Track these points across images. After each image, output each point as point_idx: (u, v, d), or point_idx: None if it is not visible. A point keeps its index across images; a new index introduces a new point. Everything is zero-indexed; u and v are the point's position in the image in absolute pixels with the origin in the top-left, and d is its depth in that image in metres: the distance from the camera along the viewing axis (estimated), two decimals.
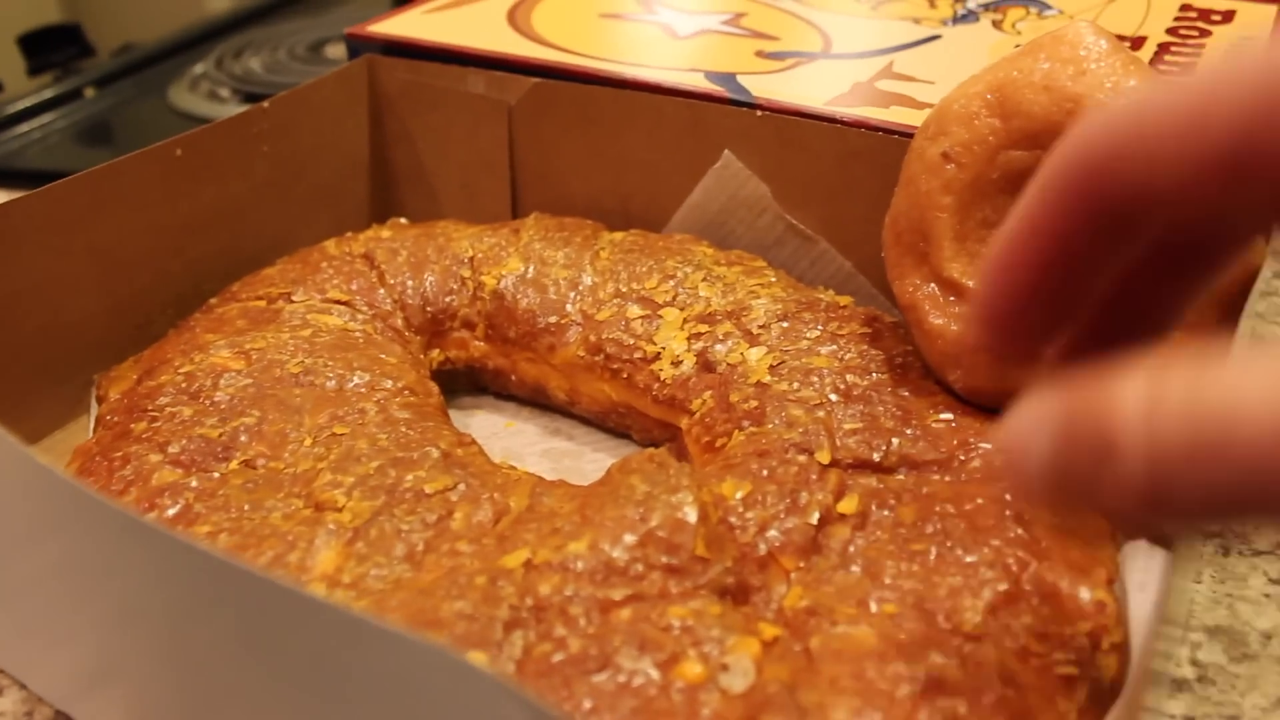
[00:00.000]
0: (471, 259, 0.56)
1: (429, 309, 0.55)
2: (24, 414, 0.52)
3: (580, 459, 0.53)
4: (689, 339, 0.50)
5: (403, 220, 0.63)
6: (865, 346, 0.48)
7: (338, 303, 0.54)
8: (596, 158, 0.61)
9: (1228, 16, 0.64)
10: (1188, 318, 0.34)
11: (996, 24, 0.66)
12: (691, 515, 0.38)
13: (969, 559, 0.38)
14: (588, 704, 0.33)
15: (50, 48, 1.10)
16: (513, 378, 0.56)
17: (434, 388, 0.51)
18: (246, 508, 0.41)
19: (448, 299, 0.56)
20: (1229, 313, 0.39)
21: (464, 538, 0.40)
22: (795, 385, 0.46)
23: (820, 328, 0.49)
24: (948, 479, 0.42)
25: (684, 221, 0.60)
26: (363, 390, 0.48)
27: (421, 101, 0.66)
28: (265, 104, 0.60)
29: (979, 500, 0.40)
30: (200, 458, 0.44)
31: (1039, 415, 0.26)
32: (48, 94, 0.99)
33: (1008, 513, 0.40)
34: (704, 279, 0.53)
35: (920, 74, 0.59)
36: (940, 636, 0.36)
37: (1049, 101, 0.41)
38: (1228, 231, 0.30)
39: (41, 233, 0.52)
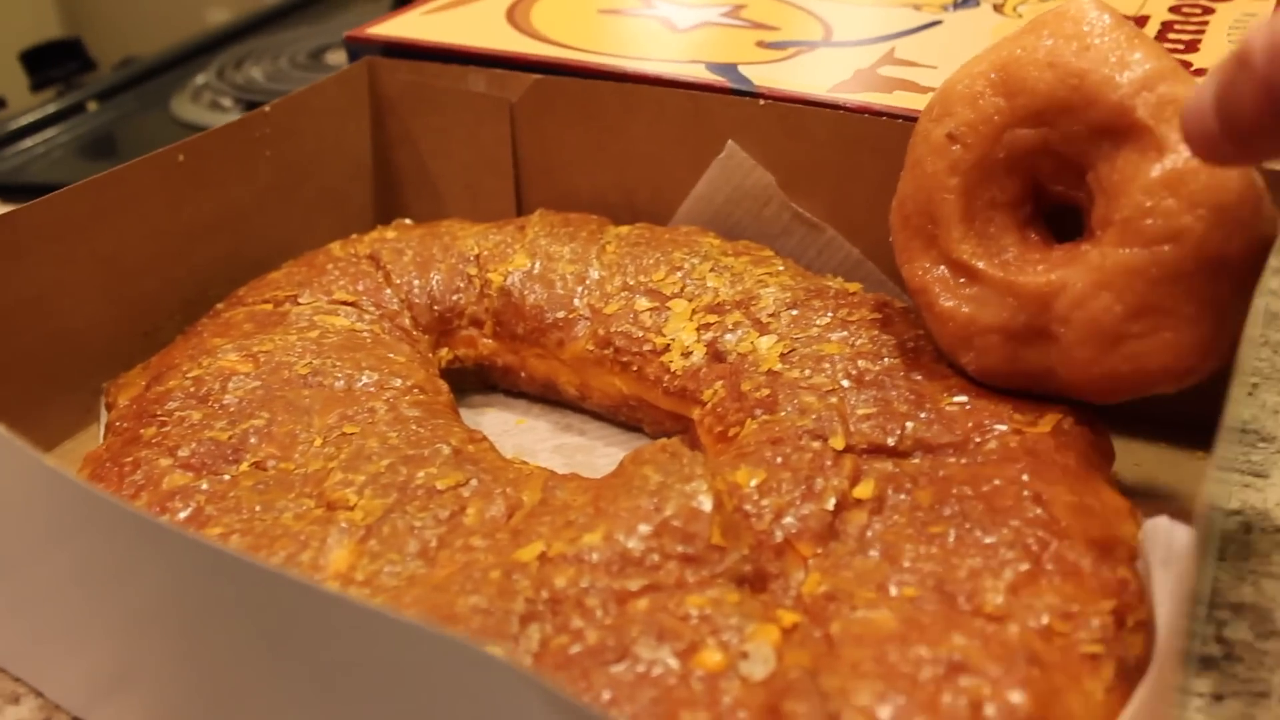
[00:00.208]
0: (477, 257, 0.56)
1: (436, 308, 0.55)
2: (33, 423, 0.52)
3: (592, 454, 0.52)
4: (698, 330, 0.50)
5: (407, 221, 0.62)
6: (876, 332, 0.48)
7: (344, 304, 0.54)
8: (600, 152, 0.61)
9: None
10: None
11: (997, 7, 0.66)
12: (706, 504, 0.38)
13: (988, 540, 0.38)
14: (607, 695, 0.33)
15: (52, 63, 1.10)
16: (522, 374, 0.55)
17: (443, 386, 0.51)
18: (258, 509, 0.41)
19: (455, 297, 0.55)
20: (1241, 289, 0.39)
21: (477, 533, 0.39)
22: (807, 372, 0.46)
23: (830, 314, 0.49)
24: (964, 461, 0.41)
25: (690, 213, 0.59)
26: (372, 389, 0.48)
27: (423, 102, 0.65)
28: (267, 108, 0.60)
29: (996, 481, 0.40)
30: (210, 461, 0.44)
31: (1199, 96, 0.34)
32: (50, 109, 0.99)
33: (1026, 493, 0.39)
34: (711, 269, 0.52)
35: (922, 59, 0.59)
36: (962, 618, 0.35)
37: (1054, 78, 0.41)
38: None
39: (45, 241, 0.51)
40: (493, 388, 0.58)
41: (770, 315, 0.49)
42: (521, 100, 0.62)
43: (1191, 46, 0.56)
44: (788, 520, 0.39)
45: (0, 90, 1.03)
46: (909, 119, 0.51)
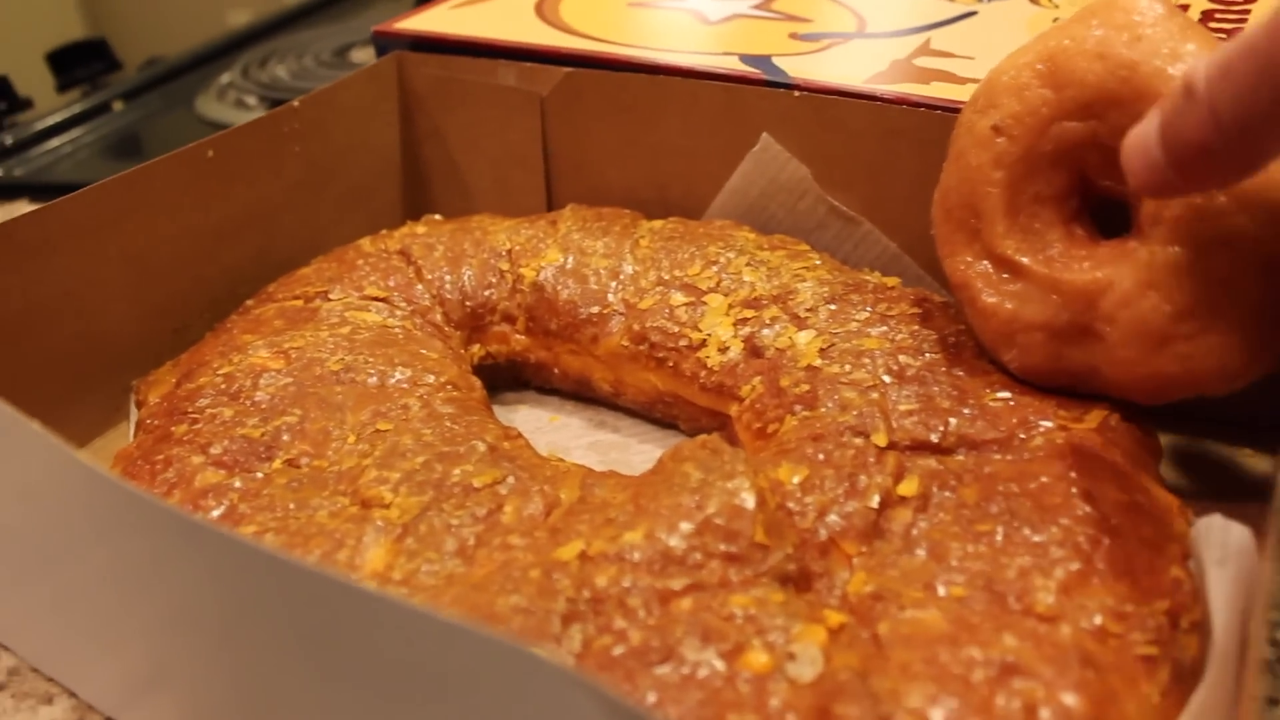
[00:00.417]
0: (509, 252, 0.56)
1: (468, 303, 0.54)
2: (63, 421, 0.51)
3: (627, 451, 0.52)
4: (735, 324, 0.49)
5: (437, 216, 0.62)
6: (916, 327, 0.47)
7: (376, 299, 0.54)
8: (631, 146, 0.60)
9: None
10: None
11: None
12: (749, 501, 0.37)
13: (1037, 538, 0.37)
14: (652, 697, 0.32)
15: (78, 63, 1.10)
16: (555, 370, 0.55)
17: (476, 382, 0.50)
18: (292, 507, 0.40)
19: (487, 293, 0.55)
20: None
21: (515, 531, 0.39)
22: (847, 368, 0.45)
23: (869, 309, 0.48)
24: (1009, 458, 0.41)
25: (723, 207, 0.59)
26: (405, 386, 0.47)
27: (451, 96, 0.65)
28: (295, 103, 0.60)
29: (1043, 478, 0.39)
30: (243, 458, 0.43)
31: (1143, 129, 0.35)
32: (76, 109, 0.99)
33: (1074, 490, 0.38)
34: (747, 264, 0.52)
35: (959, 50, 0.58)
36: (1013, 618, 0.35)
37: (1103, 70, 0.40)
38: None
39: (74, 239, 0.51)
40: (525, 384, 0.57)
41: (808, 310, 0.49)
42: (552, 94, 0.61)
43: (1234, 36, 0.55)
44: (831, 518, 0.38)
45: (27, 91, 1.03)
46: (948, 110, 0.50)
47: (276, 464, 0.43)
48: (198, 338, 0.55)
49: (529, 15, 0.67)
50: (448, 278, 0.55)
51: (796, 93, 0.55)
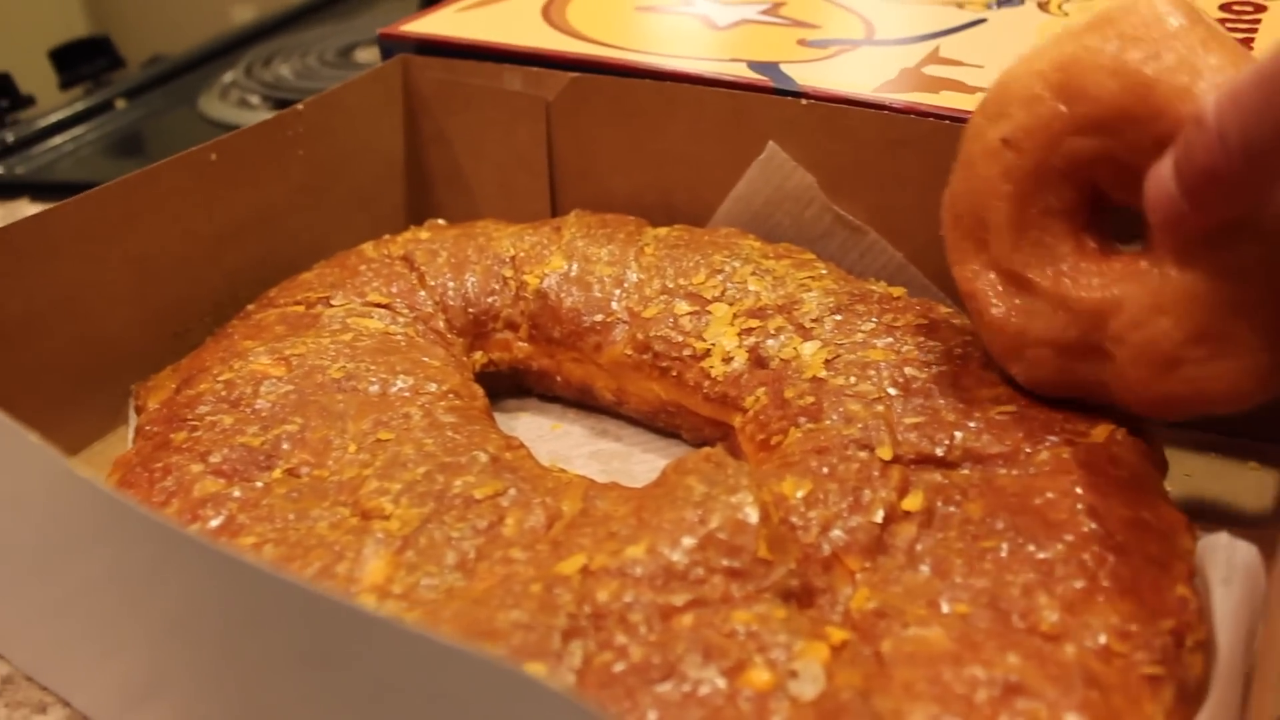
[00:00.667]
0: (513, 258, 0.55)
1: (471, 310, 0.54)
2: (62, 425, 0.51)
3: (629, 460, 0.51)
4: (740, 334, 0.49)
5: (441, 221, 0.61)
6: (922, 338, 0.47)
7: (378, 306, 0.53)
8: (637, 152, 0.60)
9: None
10: None
11: (1042, 5, 0.64)
12: (753, 516, 0.37)
13: (1042, 555, 0.37)
14: (653, 715, 0.32)
15: (81, 61, 1.09)
16: (558, 378, 0.54)
17: (479, 390, 0.50)
18: (291, 517, 0.40)
19: (490, 299, 0.54)
20: None
21: (517, 544, 0.38)
22: (852, 380, 0.45)
23: (875, 320, 0.48)
24: (1015, 473, 0.40)
25: (729, 215, 0.58)
26: (407, 394, 0.47)
27: (457, 100, 0.65)
28: (300, 106, 0.60)
29: (1049, 494, 0.39)
30: (242, 467, 0.43)
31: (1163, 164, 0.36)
32: (79, 106, 0.99)
33: (1079, 506, 0.38)
34: (753, 273, 0.51)
35: (969, 58, 0.57)
36: (1017, 637, 0.34)
37: (1119, 87, 0.38)
38: None
39: (76, 242, 0.51)
40: (527, 392, 0.57)
41: (813, 320, 0.48)
42: (558, 99, 0.61)
43: (1245, 45, 0.55)
44: (835, 533, 0.38)
45: (29, 88, 1.03)
46: (957, 120, 0.50)
47: (276, 473, 0.43)
48: (199, 342, 0.55)
49: (536, 19, 0.67)
50: (450, 284, 0.55)
51: (804, 101, 0.54)
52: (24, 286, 0.49)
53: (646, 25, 0.65)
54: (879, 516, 0.39)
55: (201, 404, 0.46)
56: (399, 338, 0.51)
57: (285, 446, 0.44)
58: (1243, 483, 0.48)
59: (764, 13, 0.67)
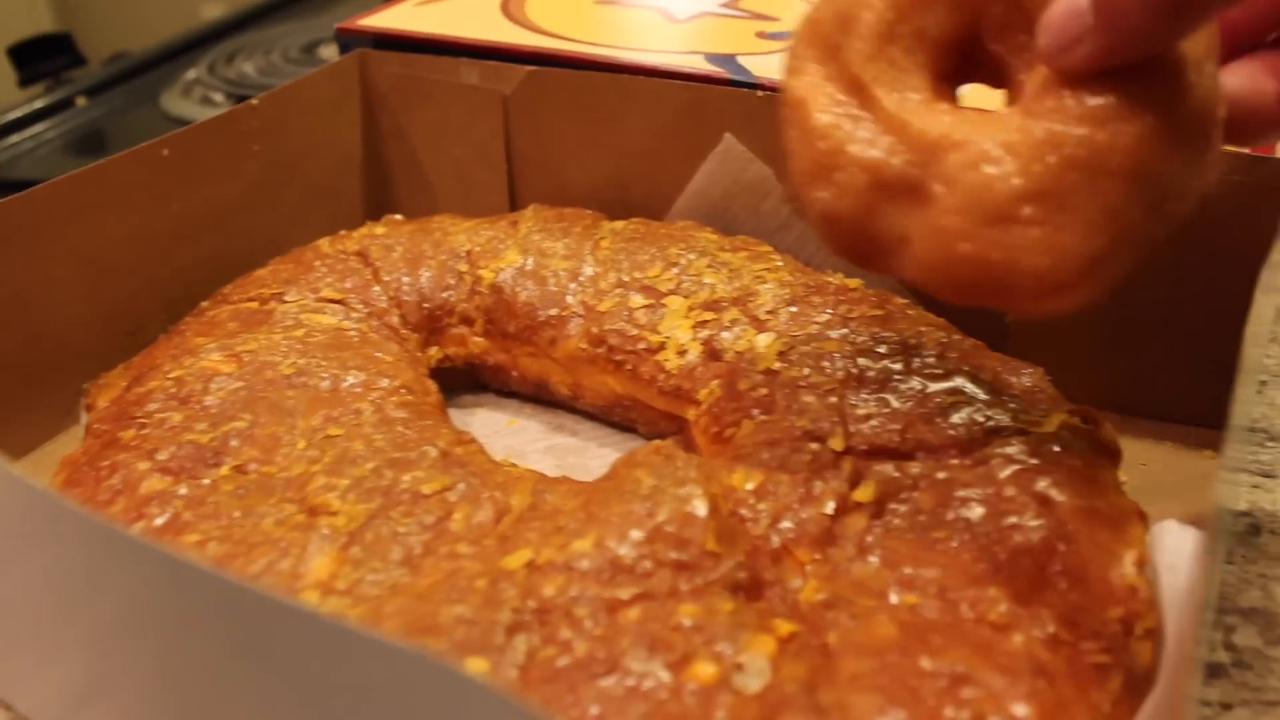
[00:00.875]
0: (469, 253, 0.55)
1: (426, 305, 0.54)
2: (13, 425, 0.51)
3: (585, 455, 0.51)
4: (694, 327, 0.49)
5: (398, 216, 0.61)
6: (877, 329, 0.46)
7: (332, 301, 0.53)
8: (594, 146, 0.60)
9: None
10: None
11: None
12: (701, 509, 0.37)
13: (991, 546, 0.37)
14: (595, 710, 0.31)
15: (40, 58, 1.08)
16: (514, 373, 0.54)
17: (432, 386, 0.50)
18: (237, 514, 0.40)
19: (445, 294, 0.54)
20: (1152, 222, 0.34)
21: (464, 539, 0.38)
22: (806, 371, 0.45)
23: (830, 311, 0.48)
24: (966, 462, 0.40)
25: (686, 208, 0.58)
26: (358, 390, 0.46)
27: (414, 95, 0.64)
28: (255, 101, 0.59)
29: (1000, 484, 0.39)
30: (190, 464, 0.42)
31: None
32: (39, 104, 0.98)
33: (1030, 496, 0.38)
34: (708, 265, 0.51)
35: None
36: (965, 627, 0.34)
37: None
38: None
39: (25, 238, 0.50)
40: (483, 387, 0.56)
41: (768, 312, 0.48)
42: (515, 93, 0.61)
43: None
44: (785, 525, 0.38)
45: None
46: None
47: (224, 470, 0.42)
48: (152, 340, 0.54)
49: (494, 12, 0.66)
50: (405, 279, 0.54)
51: (760, 93, 0.54)
52: None
53: (605, 18, 0.65)
54: (829, 508, 0.38)
55: (151, 401, 0.46)
56: (352, 333, 0.51)
57: (234, 443, 0.43)
58: (1198, 471, 0.48)
59: (723, 5, 0.66)
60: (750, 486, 0.39)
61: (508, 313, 0.53)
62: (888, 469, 0.40)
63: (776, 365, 0.45)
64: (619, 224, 0.56)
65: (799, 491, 0.39)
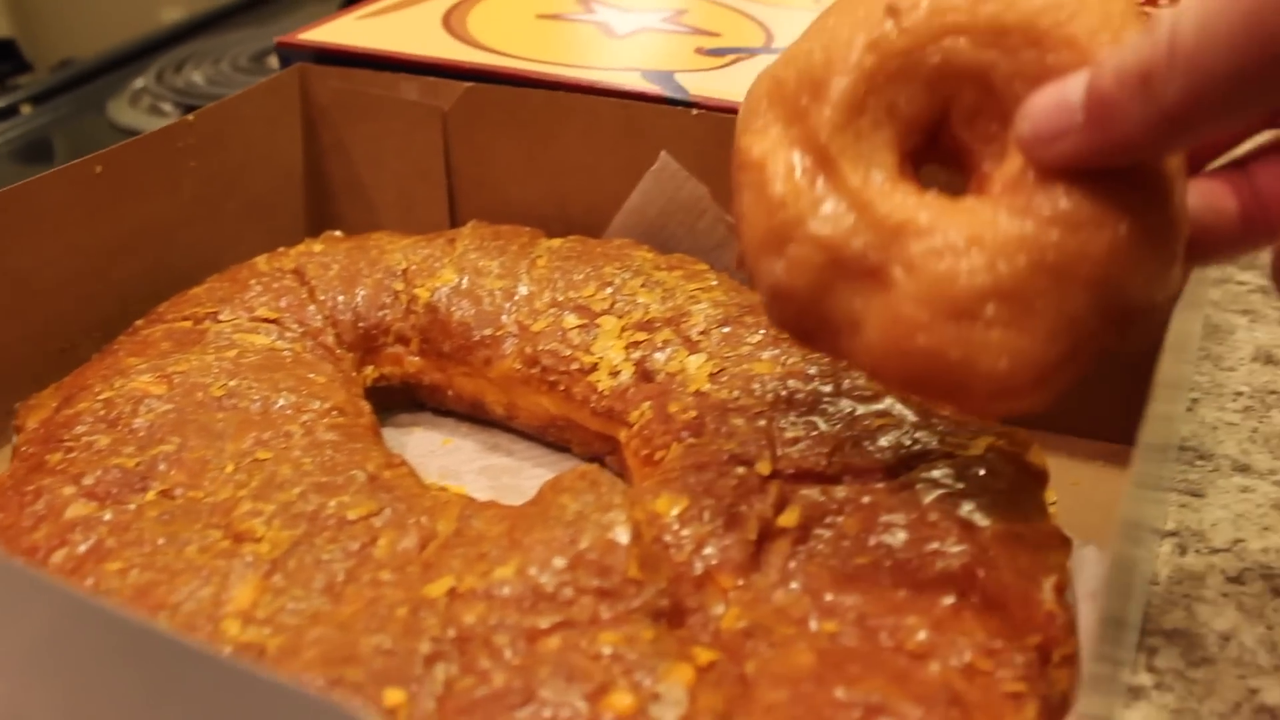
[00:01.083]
0: (405, 271, 0.55)
1: (361, 324, 0.54)
2: None
3: (519, 475, 0.51)
4: (627, 348, 0.49)
5: (337, 233, 0.61)
6: (808, 350, 0.47)
7: (266, 321, 0.52)
8: (532, 162, 0.60)
9: None
10: None
11: None
12: (623, 536, 0.37)
13: (913, 572, 0.37)
14: None
15: None
16: (449, 393, 0.54)
17: (365, 407, 0.49)
18: (161, 541, 0.39)
19: (380, 313, 0.54)
20: (1108, 339, 0.34)
21: (387, 566, 0.38)
22: (736, 394, 0.45)
23: (763, 332, 0.48)
24: (892, 487, 0.40)
25: (624, 226, 0.58)
26: (289, 412, 0.46)
27: (355, 110, 0.64)
28: (190, 117, 0.59)
29: (924, 509, 0.39)
30: (116, 489, 0.42)
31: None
32: None
33: (953, 522, 0.38)
34: (643, 285, 0.51)
35: None
36: (883, 655, 0.34)
37: (1042, 3, 0.33)
38: None
39: None
40: (421, 406, 0.56)
41: (701, 333, 0.48)
42: (453, 109, 0.61)
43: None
44: (708, 551, 0.38)
45: None
46: None
47: (150, 495, 0.42)
48: (86, 358, 0.54)
49: (435, 27, 0.66)
50: (340, 298, 0.54)
51: (695, 111, 0.54)
52: None
53: (546, 34, 0.65)
54: (753, 533, 0.38)
55: (79, 424, 0.46)
56: (285, 354, 0.50)
57: (161, 467, 0.43)
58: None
59: (665, 20, 0.67)
60: (675, 512, 0.39)
61: (443, 332, 0.53)
62: (813, 493, 0.40)
63: (707, 387, 0.45)
64: (556, 242, 0.56)
65: (723, 517, 0.39)
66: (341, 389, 0.49)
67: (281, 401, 0.47)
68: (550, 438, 0.52)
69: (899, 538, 0.38)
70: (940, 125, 0.36)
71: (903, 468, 0.41)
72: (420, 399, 0.56)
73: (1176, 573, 0.44)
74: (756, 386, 0.45)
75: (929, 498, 0.39)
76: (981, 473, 0.40)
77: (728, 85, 0.56)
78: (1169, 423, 0.44)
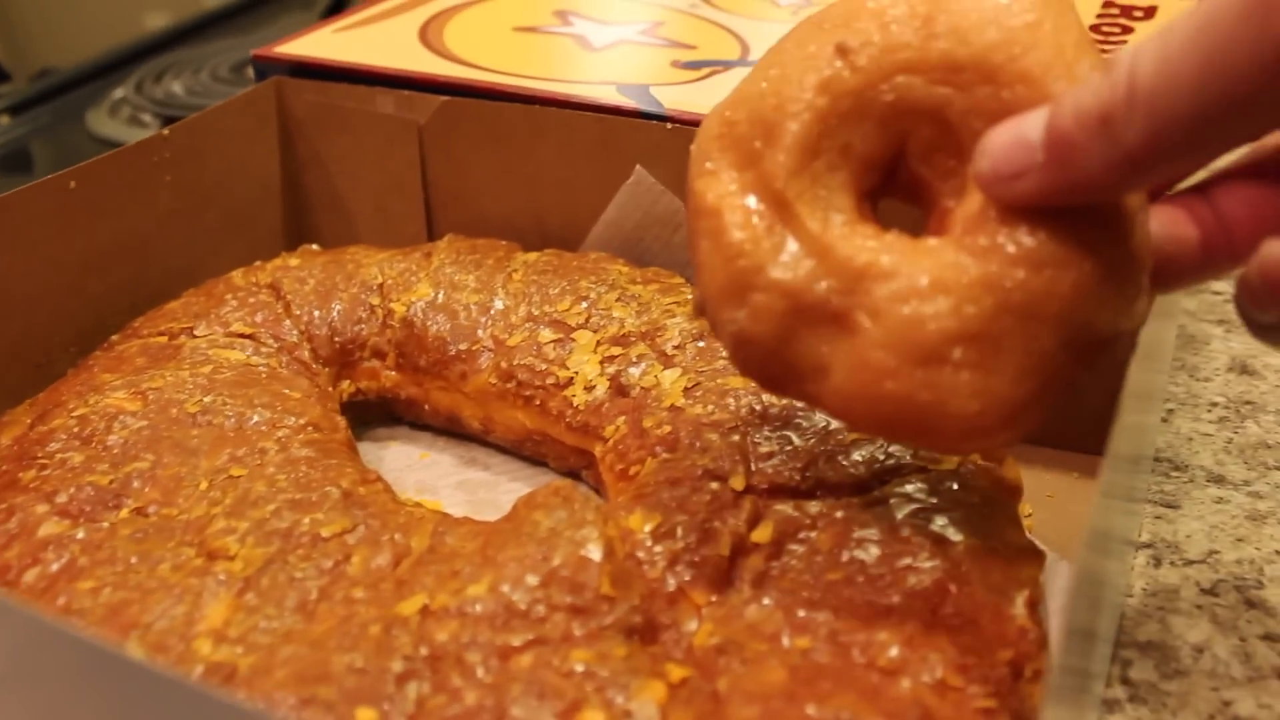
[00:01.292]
0: (381, 285, 0.55)
1: (337, 339, 0.53)
2: None
3: (496, 490, 0.51)
4: (602, 362, 0.49)
5: (314, 247, 0.61)
6: None
7: (241, 336, 0.52)
8: (508, 176, 0.60)
9: (1149, 13, 0.63)
10: None
11: None
12: (596, 553, 0.37)
13: (885, 587, 0.37)
14: None
15: None
16: (426, 407, 0.54)
17: (341, 422, 0.49)
18: (134, 560, 0.39)
19: (356, 328, 0.54)
20: (1077, 370, 0.33)
21: (360, 583, 0.38)
22: (710, 408, 0.45)
23: None
24: (865, 502, 0.40)
25: (600, 239, 0.58)
26: (263, 428, 0.46)
27: (332, 123, 0.64)
28: (165, 131, 0.59)
29: (896, 523, 0.39)
30: (89, 507, 0.42)
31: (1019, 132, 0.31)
32: None
33: (926, 537, 0.38)
34: (618, 299, 0.51)
35: None
36: (855, 672, 0.34)
37: (996, 37, 0.33)
38: None
39: None
40: (398, 420, 0.56)
41: (675, 347, 0.48)
42: (429, 122, 0.61)
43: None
44: (681, 567, 0.38)
45: None
46: None
47: (124, 513, 0.42)
48: (62, 373, 0.54)
49: (412, 40, 0.66)
50: (316, 313, 0.54)
51: (669, 125, 0.54)
52: None
53: (523, 46, 0.65)
54: (727, 549, 0.39)
55: (53, 441, 0.45)
56: (261, 369, 0.50)
57: (135, 485, 0.43)
58: None
59: (642, 33, 0.67)
60: (648, 528, 0.39)
61: (419, 346, 0.53)
62: (787, 508, 0.40)
63: (681, 402, 0.45)
64: (532, 256, 0.56)
65: (697, 533, 0.39)
66: (317, 404, 0.49)
67: (256, 418, 0.46)
68: (527, 452, 0.52)
69: (871, 553, 0.38)
70: (897, 161, 0.36)
71: (876, 482, 0.41)
72: (397, 413, 0.56)
73: (1151, 585, 0.44)
74: (731, 401, 0.45)
75: (902, 513, 0.39)
76: (954, 487, 0.41)
77: (703, 98, 0.56)
78: (1141, 433, 0.44)
